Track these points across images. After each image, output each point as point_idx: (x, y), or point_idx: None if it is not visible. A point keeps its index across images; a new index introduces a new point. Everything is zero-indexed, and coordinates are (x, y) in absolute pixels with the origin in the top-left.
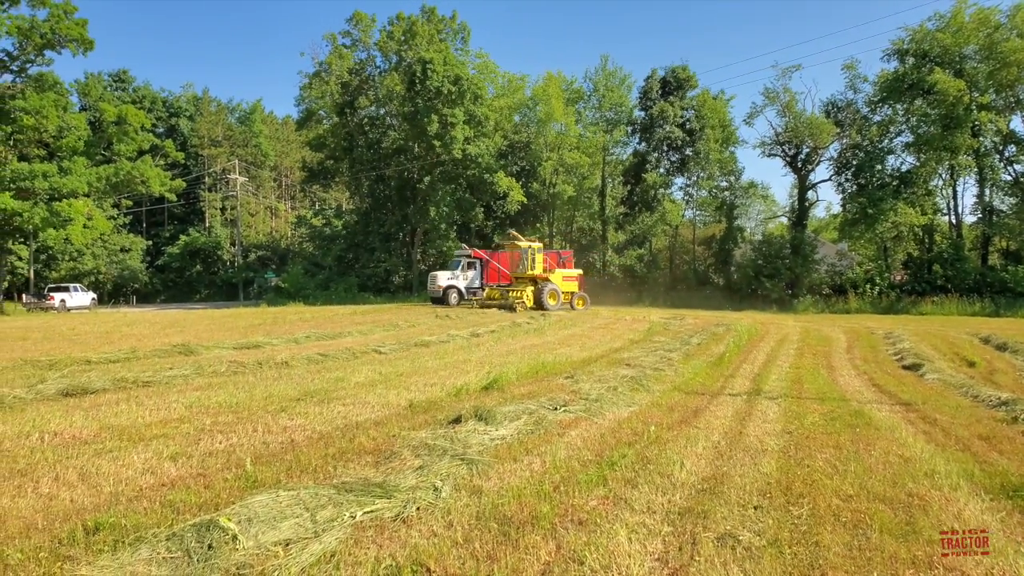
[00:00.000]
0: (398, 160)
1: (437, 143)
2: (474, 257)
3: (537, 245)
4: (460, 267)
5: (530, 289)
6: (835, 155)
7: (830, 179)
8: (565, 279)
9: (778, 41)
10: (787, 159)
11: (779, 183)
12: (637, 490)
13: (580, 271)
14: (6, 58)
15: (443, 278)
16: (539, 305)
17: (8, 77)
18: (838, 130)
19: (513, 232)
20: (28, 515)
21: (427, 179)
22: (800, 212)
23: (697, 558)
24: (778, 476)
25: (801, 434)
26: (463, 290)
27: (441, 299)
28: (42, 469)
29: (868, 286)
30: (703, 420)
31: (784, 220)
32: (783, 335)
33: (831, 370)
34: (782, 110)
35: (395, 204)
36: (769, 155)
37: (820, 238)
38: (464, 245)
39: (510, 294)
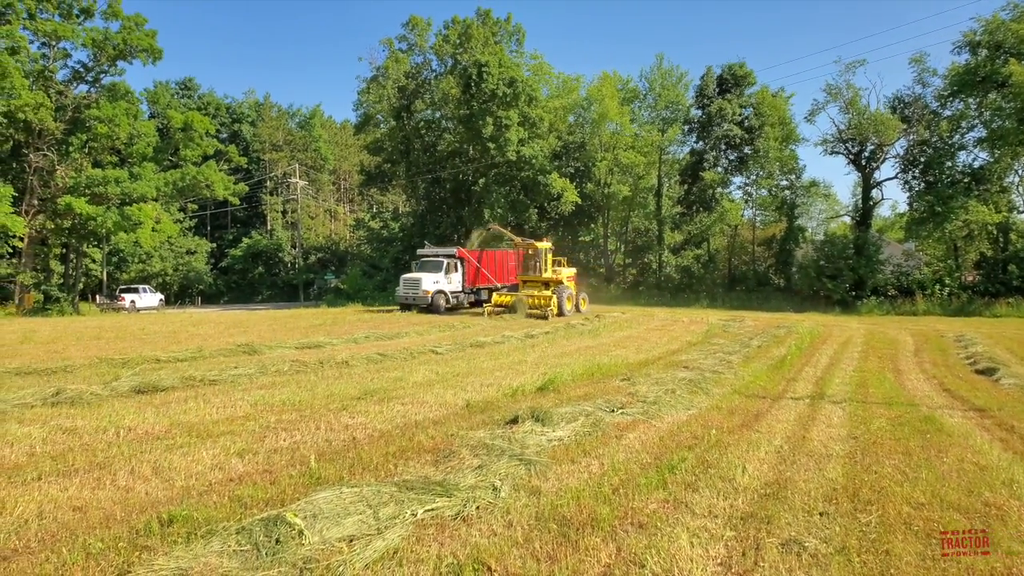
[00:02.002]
0: (453, 163)
1: (492, 145)
2: (459, 257)
3: (547, 245)
4: (444, 269)
5: (551, 294)
6: (901, 152)
7: (896, 177)
8: (568, 279)
9: (841, 36)
10: (850, 157)
11: (842, 181)
12: (698, 494)
13: (575, 270)
14: (82, 69)
15: (429, 282)
16: (558, 311)
17: (84, 87)
18: (905, 126)
19: (495, 227)
20: (107, 506)
21: (482, 181)
22: (864, 211)
23: (761, 564)
24: (844, 482)
25: (868, 439)
26: (449, 295)
27: (428, 307)
28: (119, 463)
29: (937, 287)
30: (765, 424)
31: (847, 219)
32: (847, 337)
33: (898, 374)
34: (845, 106)
35: (450, 206)
36: (831, 153)
37: (885, 238)
38: (427, 243)
39: (530, 300)
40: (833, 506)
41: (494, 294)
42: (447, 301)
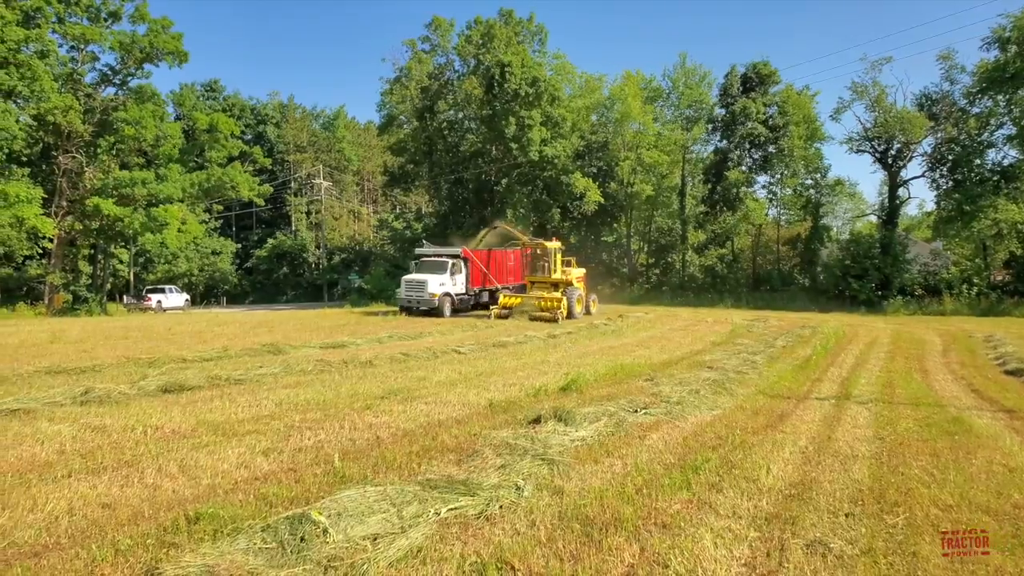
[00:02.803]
0: (476, 163)
1: (514, 145)
2: (463, 257)
3: (557, 245)
4: (449, 270)
5: (560, 296)
6: (929, 150)
7: (923, 175)
8: (577, 280)
9: (867, 34)
10: (876, 155)
11: (868, 180)
12: (722, 495)
13: (584, 270)
14: (109, 72)
15: (435, 284)
16: (567, 313)
17: (111, 90)
18: (932, 124)
19: (503, 226)
20: (135, 504)
21: (504, 181)
22: (890, 210)
23: (786, 565)
24: (870, 483)
25: (894, 440)
26: (454, 297)
27: (432, 311)
28: (146, 461)
29: (965, 287)
30: (789, 424)
31: (873, 218)
32: (872, 338)
33: (925, 374)
34: (871, 104)
35: (473, 206)
36: (857, 151)
37: (912, 237)
38: (425, 241)
39: (539, 302)
40: (859, 507)
41: (501, 295)
42: (452, 304)
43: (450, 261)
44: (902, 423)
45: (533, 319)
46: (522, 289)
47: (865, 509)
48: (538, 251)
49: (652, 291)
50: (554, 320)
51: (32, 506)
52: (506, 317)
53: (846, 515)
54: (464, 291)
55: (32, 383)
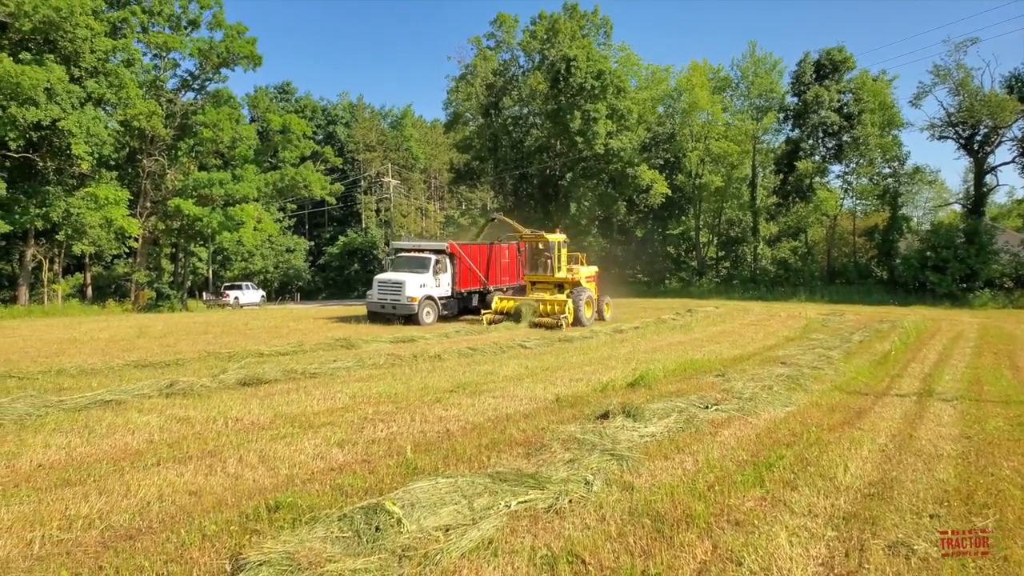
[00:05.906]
0: (540, 158)
1: (579, 139)
2: (449, 253)
3: (561, 238)
4: (432, 268)
5: (566, 298)
6: (1019, 135)
7: (1013, 161)
8: (587, 280)
9: (950, 14)
10: (961, 141)
11: (950, 167)
12: (797, 492)
13: (595, 268)
14: (189, 78)
15: (414, 285)
16: (574, 319)
17: (191, 95)
18: (1023, 107)
19: (500, 216)
20: (219, 492)
21: (569, 175)
22: (976, 198)
23: (866, 566)
24: (956, 484)
25: (983, 439)
26: (438, 301)
27: (410, 317)
28: (228, 451)
29: None
30: (867, 422)
31: (957, 208)
32: (957, 332)
33: (1016, 371)
34: (955, 88)
35: (537, 202)
36: (939, 138)
37: (1000, 226)
38: (403, 234)
39: (540, 306)
40: (944, 508)
41: (496, 298)
42: (437, 309)
43: (433, 257)
44: (991, 422)
45: (533, 326)
46: (521, 290)
47: (951, 510)
48: (539, 245)
49: (722, 285)
50: (557, 326)
51: (126, 492)
52: (499, 323)
53: (930, 516)
54: (450, 293)
55: (122, 376)
